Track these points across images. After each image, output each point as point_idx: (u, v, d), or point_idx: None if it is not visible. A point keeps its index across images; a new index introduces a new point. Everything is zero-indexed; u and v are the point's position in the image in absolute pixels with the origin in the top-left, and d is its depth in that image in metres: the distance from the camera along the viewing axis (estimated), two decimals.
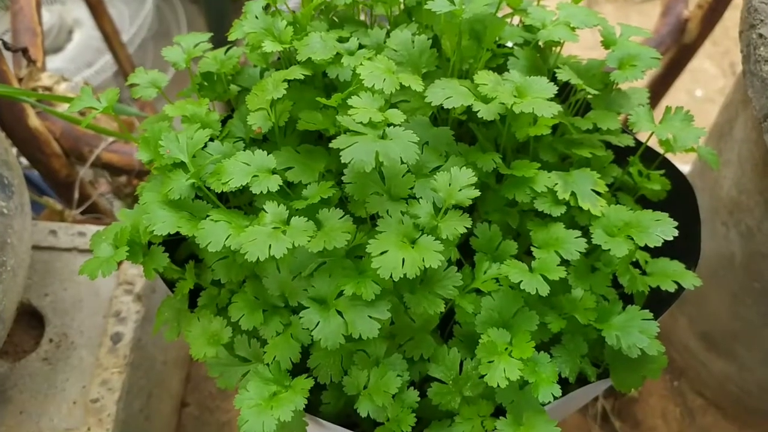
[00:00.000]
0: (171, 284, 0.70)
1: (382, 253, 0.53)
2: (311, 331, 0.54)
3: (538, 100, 0.58)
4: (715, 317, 1.10)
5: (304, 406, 0.54)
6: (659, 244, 0.57)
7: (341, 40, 0.69)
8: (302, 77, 0.61)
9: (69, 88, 1.37)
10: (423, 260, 0.53)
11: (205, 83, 0.72)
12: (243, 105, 0.70)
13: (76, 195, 1.28)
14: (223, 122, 0.72)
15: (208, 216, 0.57)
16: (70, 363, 0.99)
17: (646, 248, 0.62)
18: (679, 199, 0.76)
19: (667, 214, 0.59)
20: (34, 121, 1.17)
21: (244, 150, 0.68)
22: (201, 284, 0.68)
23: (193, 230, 0.57)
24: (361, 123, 0.55)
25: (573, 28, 0.67)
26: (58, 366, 0.98)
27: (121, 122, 0.76)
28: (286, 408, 0.53)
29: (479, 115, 0.60)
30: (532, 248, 0.62)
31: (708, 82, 2.54)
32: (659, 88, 1.61)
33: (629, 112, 0.67)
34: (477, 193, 0.57)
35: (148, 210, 0.59)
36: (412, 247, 0.54)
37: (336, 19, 0.76)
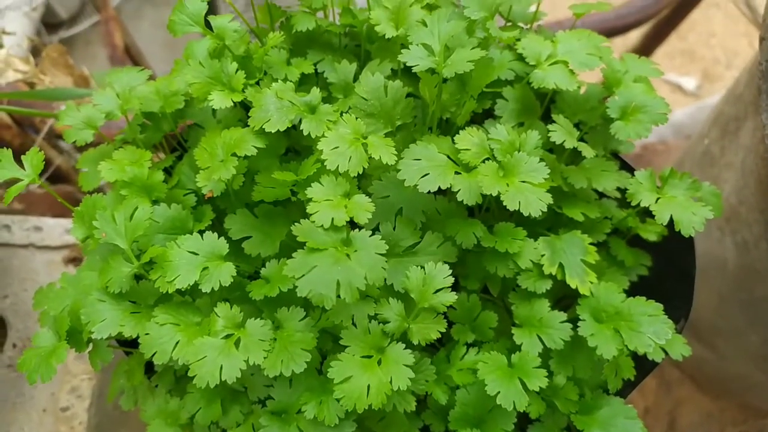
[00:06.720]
0: (126, 344, 0.65)
1: (345, 380, 0.47)
2: None
3: (527, 188, 0.51)
4: (700, 310, 1.08)
5: None
6: (650, 350, 0.52)
7: (303, 78, 0.60)
8: (255, 151, 0.52)
9: (13, 44, 1.25)
10: (391, 381, 0.48)
11: (148, 122, 0.63)
12: (194, 146, 0.61)
13: None
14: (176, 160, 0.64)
15: (153, 315, 0.51)
16: None
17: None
18: (676, 243, 0.70)
19: (661, 307, 0.54)
20: None
21: (196, 207, 0.61)
22: None
23: (137, 330, 0.52)
24: (321, 227, 0.47)
25: (572, 71, 0.58)
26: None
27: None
28: None
29: (459, 197, 0.52)
30: (513, 328, 0.58)
31: None
32: (666, 27, 1.51)
33: (629, 183, 0.59)
34: (454, 297, 0.51)
35: (86, 300, 0.53)
36: (379, 364, 0.49)
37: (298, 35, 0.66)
